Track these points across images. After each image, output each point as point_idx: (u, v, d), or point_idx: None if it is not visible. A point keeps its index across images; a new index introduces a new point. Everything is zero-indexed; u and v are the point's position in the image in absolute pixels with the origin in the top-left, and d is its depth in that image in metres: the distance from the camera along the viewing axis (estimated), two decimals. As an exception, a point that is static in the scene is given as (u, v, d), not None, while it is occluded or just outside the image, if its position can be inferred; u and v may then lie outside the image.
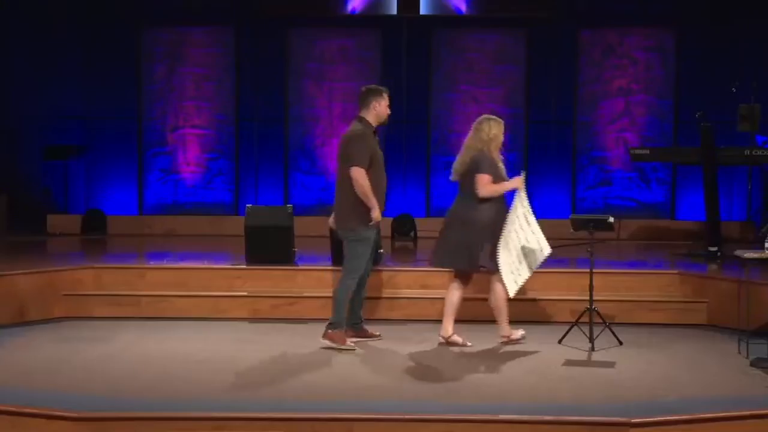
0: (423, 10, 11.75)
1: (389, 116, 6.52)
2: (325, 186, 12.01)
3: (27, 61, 11.88)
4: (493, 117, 6.43)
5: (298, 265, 7.98)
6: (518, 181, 6.43)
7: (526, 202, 6.40)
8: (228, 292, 7.52)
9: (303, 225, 9.61)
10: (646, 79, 11.88)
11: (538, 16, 11.75)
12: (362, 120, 6.49)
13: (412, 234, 11.12)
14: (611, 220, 6.46)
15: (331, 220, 6.51)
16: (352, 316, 6.49)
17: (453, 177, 6.47)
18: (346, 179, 6.28)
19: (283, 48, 12.07)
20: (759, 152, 9.34)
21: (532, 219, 6.40)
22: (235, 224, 9.79)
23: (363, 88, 6.54)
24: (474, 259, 6.27)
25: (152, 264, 8.11)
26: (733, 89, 8.64)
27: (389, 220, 11.11)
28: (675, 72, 11.82)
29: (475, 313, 7.26)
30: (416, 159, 12.01)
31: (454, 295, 6.45)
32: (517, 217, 6.35)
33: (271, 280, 7.73)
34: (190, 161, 12.02)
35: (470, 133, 6.40)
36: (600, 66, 11.93)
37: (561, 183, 11.92)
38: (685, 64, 11.74)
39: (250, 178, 12.04)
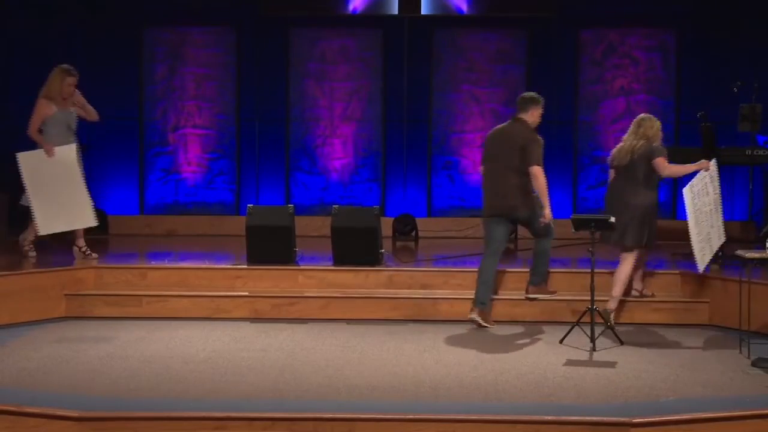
0: (424, 9, 11.75)
1: (539, 123, 7.37)
2: (325, 186, 12.02)
3: (27, 61, 11.88)
4: (652, 116, 7.24)
5: (299, 265, 7.98)
6: (705, 164, 7.04)
7: (718, 188, 7.01)
8: (229, 292, 7.52)
9: (304, 225, 9.63)
10: (647, 79, 11.88)
11: (539, 16, 11.75)
12: (522, 121, 7.32)
13: (413, 234, 11.13)
14: (612, 220, 6.47)
15: (486, 209, 7.26)
16: (486, 295, 7.09)
17: (614, 162, 7.21)
18: (516, 172, 7.07)
19: (284, 48, 12.07)
20: (760, 152, 9.32)
21: (720, 205, 7.05)
22: (236, 224, 9.80)
23: (525, 95, 7.48)
24: (639, 237, 6.95)
25: (153, 264, 8.12)
26: (735, 89, 8.63)
27: (390, 219, 11.13)
28: (676, 72, 11.81)
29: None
30: (417, 159, 12.01)
31: (623, 271, 7.00)
32: (710, 200, 6.94)
33: (272, 280, 7.74)
34: (191, 161, 12.02)
35: (632, 129, 7.17)
36: (601, 66, 11.93)
37: (562, 183, 11.91)
38: (687, 63, 11.73)
39: (251, 177, 12.04)
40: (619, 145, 7.22)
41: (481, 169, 7.49)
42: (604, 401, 4.99)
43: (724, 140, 9.80)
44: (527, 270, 7.92)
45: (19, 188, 7.94)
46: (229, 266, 7.94)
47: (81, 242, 8.11)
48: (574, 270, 7.77)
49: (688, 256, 8.72)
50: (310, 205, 11.82)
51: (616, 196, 7.19)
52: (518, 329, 6.95)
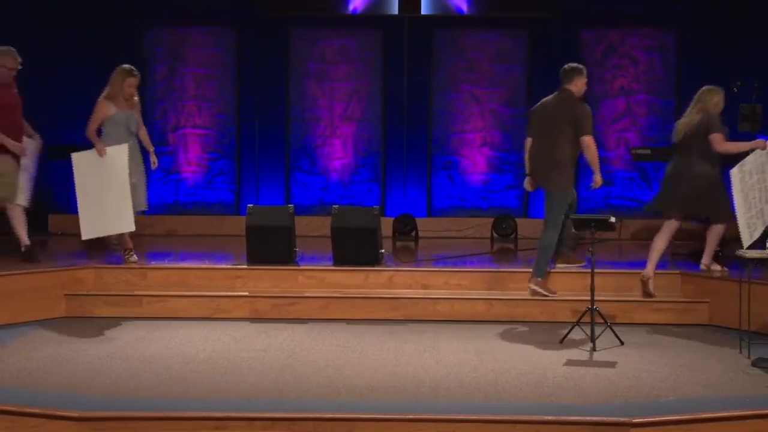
0: (424, 9, 11.76)
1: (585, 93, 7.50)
2: (326, 185, 12.02)
3: (28, 61, 11.84)
4: (714, 87, 7.30)
5: (299, 265, 7.98)
6: (761, 143, 7.04)
7: None
8: (229, 292, 7.52)
9: (304, 225, 9.63)
10: (648, 79, 11.88)
11: (539, 16, 11.75)
12: (568, 92, 7.38)
13: (413, 234, 11.14)
14: (613, 220, 6.46)
15: (527, 181, 7.59)
16: (555, 253, 7.52)
17: (676, 138, 7.29)
18: (556, 141, 7.28)
19: (284, 48, 12.08)
20: (760, 152, 9.32)
21: None
22: (236, 224, 9.81)
23: (567, 66, 7.44)
24: (697, 208, 7.35)
25: (153, 264, 8.11)
26: (735, 89, 8.61)
27: (390, 219, 11.13)
28: (676, 72, 11.82)
29: (473, 314, 7.29)
30: (417, 159, 12.01)
31: (660, 241, 7.33)
32: (765, 177, 6.98)
33: (272, 280, 7.74)
34: (191, 161, 12.03)
35: (692, 103, 7.29)
36: (601, 66, 11.93)
37: (562, 183, 11.91)
38: (687, 63, 11.74)
39: (251, 177, 12.04)
40: (678, 120, 7.40)
41: (526, 141, 7.64)
42: (604, 401, 4.99)
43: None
44: (527, 270, 7.93)
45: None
46: (229, 266, 7.94)
47: (128, 243, 7.96)
48: (574, 270, 7.76)
49: (689, 256, 8.75)
50: (310, 205, 11.83)
51: (676, 171, 7.27)
52: (518, 329, 6.95)
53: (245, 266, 7.88)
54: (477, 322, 7.19)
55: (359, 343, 6.41)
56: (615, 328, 6.47)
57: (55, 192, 11.89)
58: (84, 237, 7.57)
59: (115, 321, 7.15)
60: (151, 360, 5.86)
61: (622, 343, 6.38)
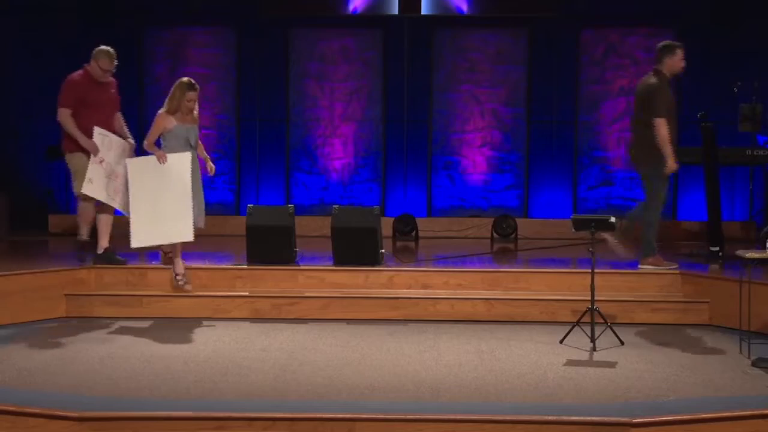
0: (424, 9, 11.77)
1: (682, 69, 7.56)
2: (326, 185, 12.02)
3: (28, 61, 11.89)
4: None
5: (299, 265, 7.98)
6: None
7: None
8: (229, 292, 7.52)
9: (304, 225, 9.63)
10: (648, 78, 11.87)
11: (539, 16, 11.75)
12: (658, 73, 7.45)
13: (413, 234, 11.14)
14: (613, 220, 6.46)
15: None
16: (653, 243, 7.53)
17: None
18: (642, 125, 7.39)
19: (284, 48, 12.09)
20: (760, 152, 9.34)
21: None
22: (237, 224, 9.81)
23: (659, 45, 7.54)
24: None
25: (153, 264, 8.10)
26: (735, 89, 8.63)
27: (390, 219, 11.13)
28: (676, 72, 11.81)
29: (473, 314, 7.29)
30: (417, 159, 12.02)
31: None
32: None
33: (272, 280, 7.73)
34: (191, 161, 12.02)
35: None
36: (601, 66, 11.94)
37: (562, 183, 11.93)
38: (687, 63, 11.71)
39: (252, 178, 12.05)
40: None
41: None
42: (604, 401, 4.99)
43: (725, 140, 9.80)
44: (527, 270, 7.93)
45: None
46: (229, 266, 7.94)
47: (179, 267, 7.46)
48: (574, 270, 7.77)
49: (689, 256, 8.75)
50: (310, 205, 11.83)
51: None
52: (518, 329, 6.95)
53: (245, 266, 7.88)
54: (477, 322, 7.19)
55: (359, 343, 6.41)
56: (615, 328, 6.47)
57: (55, 192, 11.91)
58: (134, 245, 7.33)
59: (115, 321, 7.15)
60: (151, 360, 5.86)
61: (622, 343, 6.38)
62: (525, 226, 11.26)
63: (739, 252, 6.22)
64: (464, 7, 11.84)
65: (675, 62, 7.44)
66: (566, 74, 11.83)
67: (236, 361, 5.83)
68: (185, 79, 7.58)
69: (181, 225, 7.30)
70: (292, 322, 7.18)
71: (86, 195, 7.43)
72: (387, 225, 10.35)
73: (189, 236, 7.36)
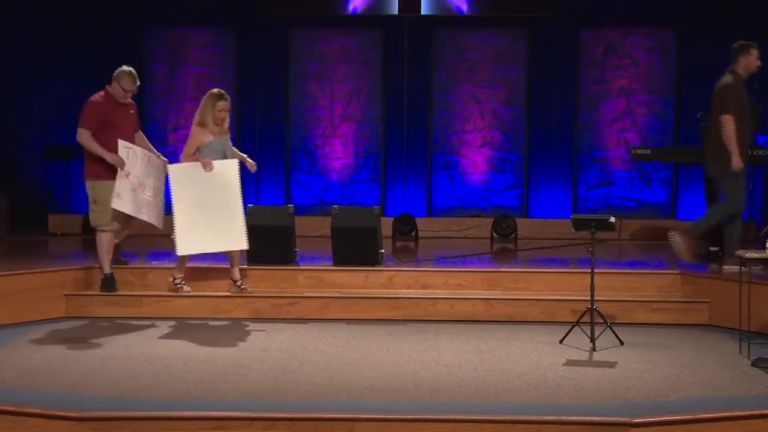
0: (424, 9, 11.77)
1: (758, 67, 7.55)
2: (325, 185, 12.03)
3: (28, 62, 11.90)
4: None
5: (299, 265, 7.98)
6: None
7: None
8: (229, 292, 7.52)
9: (304, 225, 9.63)
10: (648, 79, 11.89)
11: (539, 16, 11.76)
12: (733, 72, 7.48)
13: (413, 234, 11.14)
14: (613, 220, 6.46)
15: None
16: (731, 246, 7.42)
17: None
18: (715, 124, 7.41)
19: (284, 48, 12.09)
20: (760, 152, 9.33)
21: None
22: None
23: (734, 45, 7.52)
24: None
25: (153, 264, 8.11)
26: (735, 89, 8.60)
27: (390, 219, 11.13)
28: (676, 72, 11.83)
29: (473, 314, 7.29)
30: (417, 159, 12.02)
31: None
32: None
33: (272, 280, 7.73)
34: (191, 161, 12.02)
35: None
36: (601, 66, 11.94)
37: (562, 183, 11.93)
38: (687, 63, 11.74)
39: (251, 178, 11.98)
40: None
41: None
42: (604, 401, 4.99)
43: (725, 140, 9.78)
44: (527, 270, 7.93)
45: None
46: (229, 266, 7.93)
47: (236, 274, 7.46)
48: (574, 270, 7.77)
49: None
50: (310, 205, 11.83)
51: None
52: (518, 329, 6.95)
53: (245, 266, 7.88)
54: (477, 322, 7.19)
55: (359, 343, 6.41)
56: (615, 328, 6.47)
57: (55, 192, 11.91)
58: (180, 252, 7.20)
59: (115, 321, 7.15)
60: (151, 360, 5.86)
61: (622, 343, 6.38)
62: (525, 226, 11.26)
63: (739, 252, 6.23)
64: (464, 7, 11.84)
65: (750, 61, 7.46)
66: (566, 74, 11.83)
67: (236, 361, 5.83)
68: (215, 90, 7.30)
69: (234, 232, 7.18)
70: (292, 322, 7.18)
71: (104, 227, 7.24)
72: (387, 225, 10.35)
73: (243, 244, 7.24)
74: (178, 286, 7.45)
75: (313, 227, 10.49)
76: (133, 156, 7.23)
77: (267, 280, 7.73)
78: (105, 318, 7.26)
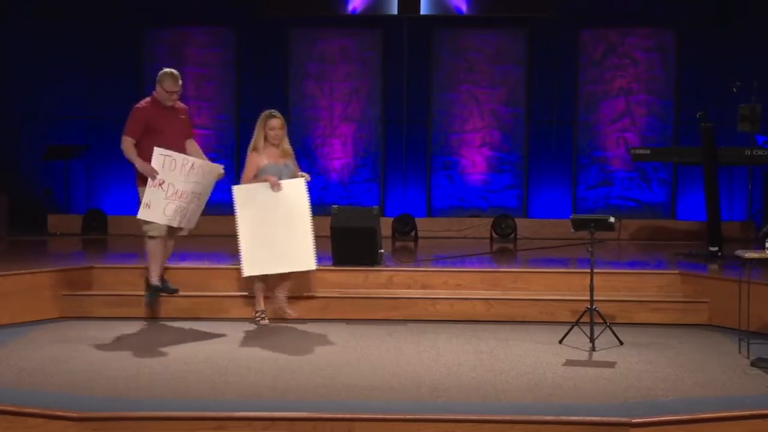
0: (424, 10, 11.76)
1: None
2: (325, 185, 12.02)
3: (28, 61, 11.90)
4: None
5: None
6: None
7: None
8: (228, 292, 7.52)
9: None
10: (647, 79, 11.89)
11: (539, 16, 11.76)
12: None
13: (412, 234, 11.14)
14: (612, 220, 6.46)
15: None
16: None
17: None
18: None
19: (284, 48, 12.08)
20: (760, 152, 9.34)
21: None
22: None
23: None
24: None
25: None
26: (734, 89, 8.63)
27: (389, 219, 11.13)
28: (676, 72, 11.83)
29: (472, 314, 7.29)
30: (417, 159, 12.02)
31: None
32: None
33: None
34: (190, 161, 12.02)
35: None
36: (601, 66, 11.94)
37: (562, 183, 11.93)
38: (686, 64, 11.75)
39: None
40: None
41: None
42: (604, 401, 4.99)
43: (724, 140, 9.81)
44: (526, 270, 7.94)
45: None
46: (228, 266, 7.93)
47: (282, 294, 7.12)
48: (573, 270, 7.77)
49: (688, 256, 8.76)
50: (310, 205, 11.81)
51: None
52: (518, 329, 6.95)
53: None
54: (476, 322, 7.19)
55: (359, 343, 6.41)
56: (614, 328, 6.47)
57: (54, 192, 11.90)
58: (246, 274, 6.89)
59: (115, 321, 7.15)
60: (150, 360, 5.86)
61: (621, 343, 6.38)
62: (524, 226, 11.26)
63: (739, 252, 6.23)
64: (463, 7, 11.84)
65: None
66: (565, 74, 11.83)
67: (236, 361, 5.83)
68: (267, 111, 7.06)
69: (301, 253, 6.89)
70: (292, 322, 7.17)
71: (153, 234, 6.90)
72: (386, 225, 10.35)
73: (311, 264, 6.96)
74: (258, 319, 7.07)
75: (313, 227, 10.47)
76: (170, 163, 6.84)
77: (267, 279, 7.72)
78: (104, 318, 7.25)
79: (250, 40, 12.04)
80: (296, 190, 7.05)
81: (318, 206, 11.69)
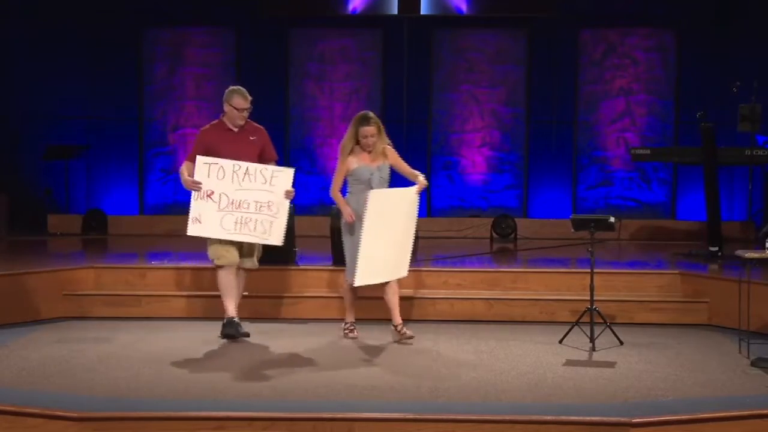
0: (424, 10, 11.76)
1: None
2: (325, 185, 11.99)
3: (28, 61, 11.90)
4: None
5: (299, 265, 7.97)
6: None
7: None
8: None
9: (303, 225, 9.61)
10: (647, 79, 11.89)
11: (539, 16, 11.76)
12: None
13: (412, 234, 11.13)
14: (612, 220, 6.46)
15: None
16: None
17: None
18: None
19: (283, 48, 12.08)
20: (759, 152, 9.34)
21: None
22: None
23: None
24: None
25: (153, 264, 8.10)
26: (734, 89, 8.63)
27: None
28: (676, 72, 11.83)
29: (472, 313, 7.29)
30: (417, 159, 11.99)
31: None
32: None
33: (272, 280, 7.72)
34: (190, 161, 12.03)
35: None
36: (601, 66, 11.94)
37: (562, 183, 11.93)
38: (686, 64, 11.75)
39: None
40: None
41: None
42: (604, 401, 4.99)
43: (724, 140, 9.81)
44: (526, 270, 7.94)
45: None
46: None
47: (398, 318, 6.54)
48: (573, 270, 7.77)
49: (688, 256, 8.75)
50: (310, 205, 11.82)
51: None
52: (518, 329, 6.95)
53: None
54: (476, 322, 7.20)
55: (359, 343, 6.41)
56: (614, 328, 6.47)
57: (54, 192, 11.91)
58: (357, 283, 6.22)
59: (115, 321, 7.15)
60: (151, 360, 5.86)
61: (621, 343, 6.38)
62: (524, 226, 11.26)
63: (739, 252, 6.23)
64: (463, 7, 11.84)
65: None
66: (565, 74, 11.83)
67: (236, 361, 5.83)
68: (361, 113, 6.71)
69: (402, 262, 6.50)
70: (292, 322, 7.17)
71: (221, 262, 6.47)
72: (386, 225, 10.33)
73: (404, 272, 6.56)
74: (347, 331, 6.66)
75: (313, 227, 10.47)
76: (218, 171, 6.41)
77: (267, 280, 7.72)
78: (104, 318, 7.25)
79: (250, 40, 12.04)
80: (409, 198, 6.69)
81: (318, 206, 11.77)
